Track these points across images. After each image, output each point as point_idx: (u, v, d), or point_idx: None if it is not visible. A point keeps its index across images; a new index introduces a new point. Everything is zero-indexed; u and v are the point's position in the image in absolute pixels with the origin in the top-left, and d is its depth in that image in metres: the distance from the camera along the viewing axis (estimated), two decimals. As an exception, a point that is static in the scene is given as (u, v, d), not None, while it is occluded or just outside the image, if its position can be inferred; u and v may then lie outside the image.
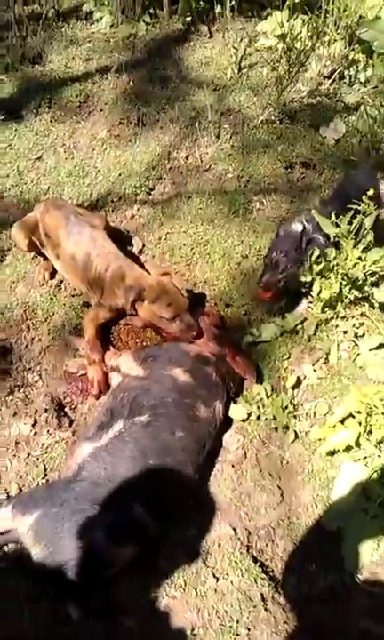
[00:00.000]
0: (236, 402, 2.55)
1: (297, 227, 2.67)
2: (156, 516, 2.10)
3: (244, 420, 2.53)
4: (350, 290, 2.66)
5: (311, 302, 2.79)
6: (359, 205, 2.55)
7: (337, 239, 2.65)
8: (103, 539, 1.99)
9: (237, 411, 2.52)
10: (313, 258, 2.62)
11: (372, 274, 2.66)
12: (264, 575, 2.14)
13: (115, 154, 3.55)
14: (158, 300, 2.61)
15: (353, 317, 2.74)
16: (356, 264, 2.60)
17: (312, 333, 2.71)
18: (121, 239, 3.06)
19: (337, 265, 2.64)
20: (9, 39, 4.11)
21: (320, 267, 2.62)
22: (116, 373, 2.60)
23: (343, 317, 2.73)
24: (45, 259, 3.04)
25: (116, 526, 2.02)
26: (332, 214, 2.61)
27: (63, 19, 4.39)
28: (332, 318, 2.74)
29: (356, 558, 2.16)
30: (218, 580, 2.14)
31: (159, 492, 2.15)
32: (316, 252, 2.61)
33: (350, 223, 2.58)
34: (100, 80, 3.94)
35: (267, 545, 2.26)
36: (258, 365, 2.68)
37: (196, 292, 2.96)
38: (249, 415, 2.52)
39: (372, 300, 2.73)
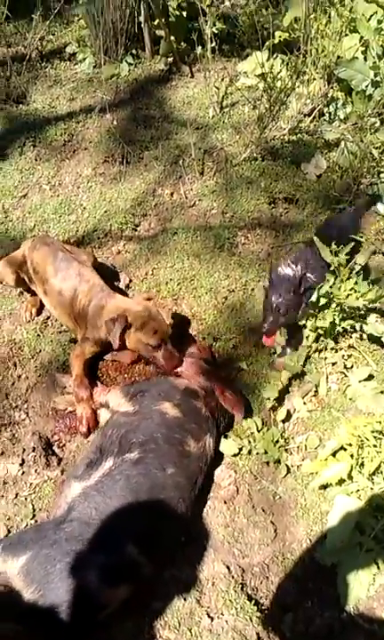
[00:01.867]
0: (226, 436, 2.53)
1: (290, 269, 2.69)
2: (150, 556, 2.06)
3: (235, 455, 2.51)
4: (343, 320, 2.67)
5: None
6: (339, 246, 2.62)
7: (334, 269, 2.68)
8: (96, 580, 1.94)
9: (228, 445, 2.50)
10: (311, 300, 2.64)
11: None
12: (259, 614, 2.10)
13: (100, 191, 3.58)
14: (145, 326, 2.59)
15: (341, 349, 2.75)
16: (349, 295, 2.62)
17: (301, 364, 2.72)
18: (108, 275, 3.05)
19: (332, 295, 2.66)
20: (-7, 79, 4.18)
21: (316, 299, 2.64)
22: (105, 410, 2.57)
23: (332, 349, 2.75)
24: (33, 295, 3.04)
25: (108, 567, 1.98)
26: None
27: (47, 59, 4.47)
28: (322, 350, 2.75)
29: (352, 594, 2.14)
30: (212, 619, 2.10)
31: (152, 531, 2.11)
32: (313, 294, 2.64)
33: (348, 254, 2.62)
34: (84, 119, 4.00)
35: (261, 582, 2.22)
36: (247, 399, 2.67)
37: (184, 325, 2.97)
38: (240, 450, 2.50)
39: (361, 332, 2.75)
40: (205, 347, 2.84)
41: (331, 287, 2.63)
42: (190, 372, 2.62)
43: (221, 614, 2.11)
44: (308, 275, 2.68)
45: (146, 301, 2.69)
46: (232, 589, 2.16)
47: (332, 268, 2.67)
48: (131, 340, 2.63)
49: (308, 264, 2.71)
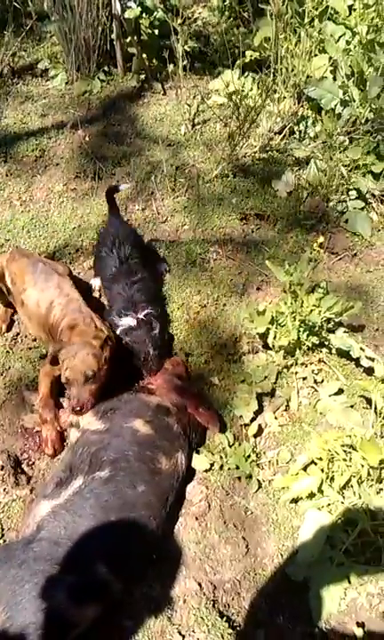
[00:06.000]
0: (198, 452, 2.52)
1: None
2: (120, 575, 2.03)
3: (206, 471, 2.50)
4: (308, 336, 2.70)
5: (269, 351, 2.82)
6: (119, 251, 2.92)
7: (292, 287, 2.71)
8: (65, 600, 1.90)
9: (200, 461, 2.49)
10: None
11: (328, 320, 2.72)
12: (231, 630, 2.09)
13: (71, 207, 3.58)
14: (65, 357, 2.49)
15: (311, 364, 2.77)
16: (312, 311, 2.65)
17: (273, 381, 2.73)
18: (83, 289, 3.02)
19: (293, 312, 2.69)
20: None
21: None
22: (74, 429, 2.55)
23: (302, 364, 2.77)
24: (7, 306, 3.02)
25: (78, 586, 1.94)
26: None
27: (18, 76, 4.47)
28: (292, 365, 2.77)
29: (324, 609, 2.14)
30: (184, 637, 2.08)
31: (122, 550, 2.09)
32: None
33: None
34: (56, 135, 4.00)
35: (233, 599, 2.21)
36: (220, 415, 2.67)
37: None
38: (212, 465, 2.49)
39: (330, 346, 2.77)
40: (179, 361, 2.84)
41: (291, 305, 2.67)
42: (162, 388, 2.62)
43: (193, 632, 2.09)
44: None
45: (96, 336, 2.55)
46: (204, 606, 2.14)
47: (291, 288, 2.72)
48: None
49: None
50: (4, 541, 2.32)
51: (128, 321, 2.73)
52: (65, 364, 2.48)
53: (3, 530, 2.35)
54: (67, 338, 2.57)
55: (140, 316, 2.73)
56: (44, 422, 2.59)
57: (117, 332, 2.71)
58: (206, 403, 2.65)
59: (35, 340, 2.96)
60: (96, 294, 3.17)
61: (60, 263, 3.06)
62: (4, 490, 2.45)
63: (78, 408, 2.45)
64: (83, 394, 2.45)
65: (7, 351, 2.91)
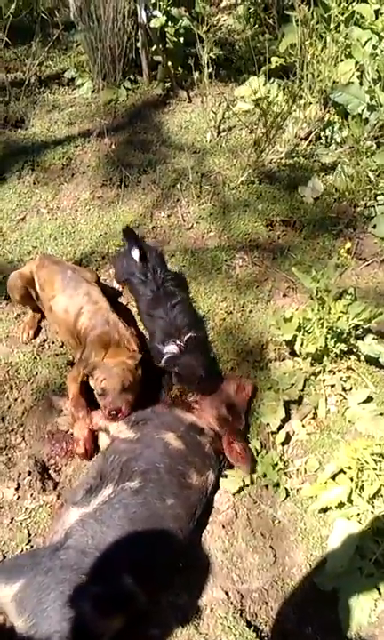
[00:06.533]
0: (225, 476, 2.47)
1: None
2: (145, 587, 2.02)
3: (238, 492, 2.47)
4: (336, 343, 2.67)
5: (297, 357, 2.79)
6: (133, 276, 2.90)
7: (319, 294, 2.69)
8: (90, 610, 1.90)
9: (230, 482, 2.45)
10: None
11: (356, 327, 2.68)
12: (259, 640, 2.06)
13: (98, 214, 3.60)
14: (95, 371, 2.54)
15: (340, 371, 2.74)
16: (339, 317, 2.62)
17: (300, 388, 2.70)
18: (109, 295, 3.02)
19: (321, 319, 2.66)
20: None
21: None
22: (104, 434, 2.54)
23: (330, 371, 2.74)
24: (35, 311, 3.04)
25: (103, 597, 1.93)
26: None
27: (45, 85, 4.52)
28: (320, 372, 2.74)
29: (354, 620, 2.11)
30: (211, 647, 2.06)
31: (148, 562, 2.08)
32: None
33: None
34: (83, 143, 4.03)
35: (260, 608, 2.19)
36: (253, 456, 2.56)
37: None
38: (243, 482, 2.46)
39: (359, 353, 2.74)
40: (246, 387, 2.72)
41: (318, 311, 2.64)
42: (205, 413, 2.55)
43: (220, 641, 2.07)
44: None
45: (132, 356, 2.59)
46: (231, 615, 2.12)
47: (318, 295, 2.69)
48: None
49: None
50: (31, 547, 2.32)
51: (172, 348, 2.65)
52: (101, 377, 2.51)
53: (29, 535, 2.36)
54: (100, 357, 2.58)
55: (183, 341, 2.66)
56: (75, 421, 2.59)
57: (163, 360, 2.65)
58: (244, 441, 2.55)
59: (62, 346, 2.97)
60: (123, 300, 3.17)
61: (88, 270, 3.07)
62: (31, 495, 2.46)
63: (114, 412, 2.47)
64: (119, 401, 2.48)
65: (34, 357, 2.92)
